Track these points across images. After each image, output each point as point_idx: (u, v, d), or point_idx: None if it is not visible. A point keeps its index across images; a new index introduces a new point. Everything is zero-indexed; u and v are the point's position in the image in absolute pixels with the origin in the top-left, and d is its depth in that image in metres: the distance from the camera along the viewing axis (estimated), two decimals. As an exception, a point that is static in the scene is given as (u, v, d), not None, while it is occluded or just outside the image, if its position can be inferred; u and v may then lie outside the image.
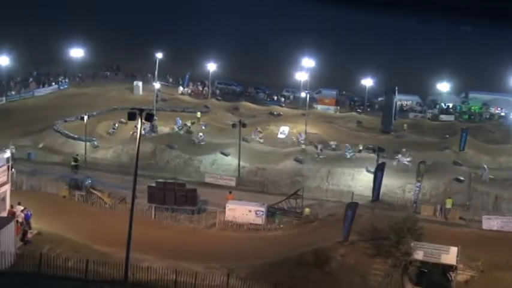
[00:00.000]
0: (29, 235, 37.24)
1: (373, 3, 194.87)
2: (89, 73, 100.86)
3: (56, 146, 66.26)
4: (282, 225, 46.81)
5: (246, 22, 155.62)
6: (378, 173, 53.43)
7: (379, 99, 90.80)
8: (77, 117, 70.77)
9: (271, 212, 47.94)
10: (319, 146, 68.03)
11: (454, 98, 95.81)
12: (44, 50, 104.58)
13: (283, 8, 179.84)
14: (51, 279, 30.64)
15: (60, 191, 48.87)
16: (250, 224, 46.37)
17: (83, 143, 63.63)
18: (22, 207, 38.84)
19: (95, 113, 74.92)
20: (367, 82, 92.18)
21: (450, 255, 38.34)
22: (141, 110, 32.63)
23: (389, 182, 55.63)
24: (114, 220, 42.16)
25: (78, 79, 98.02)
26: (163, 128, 73.94)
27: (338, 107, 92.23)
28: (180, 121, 75.28)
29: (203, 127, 76.60)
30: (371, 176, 55.49)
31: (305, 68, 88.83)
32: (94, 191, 49.06)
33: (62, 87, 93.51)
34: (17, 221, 36.54)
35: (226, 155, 63.61)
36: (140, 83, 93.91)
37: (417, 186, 52.36)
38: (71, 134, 67.70)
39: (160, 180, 50.81)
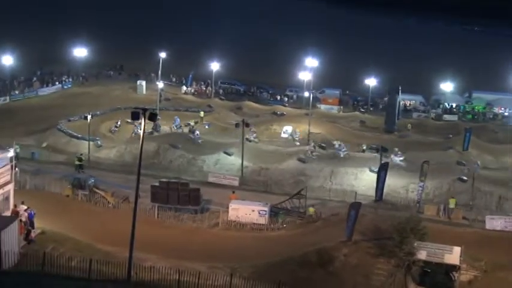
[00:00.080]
0: (33, 234, 37.32)
1: (374, 3, 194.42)
2: (93, 72, 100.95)
3: (59, 146, 66.39)
4: (285, 225, 46.75)
5: (250, 22, 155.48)
6: (381, 173, 53.42)
7: (385, 99, 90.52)
8: (81, 117, 71.00)
9: (274, 212, 47.89)
10: (312, 144, 68.50)
11: (458, 97, 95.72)
12: (48, 50, 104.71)
13: (286, 7, 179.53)
14: (54, 279, 30.70)
15: (63, 191, 48.94)
16: (254, 223, 46.34)
17: (87, 142, 63.87)
18: (25, 207, 38.92)
19: (98, 113, 75.12)
20: (371, 82, 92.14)
21: (453, 255, 38.26)
22: (144, 110, 32.64)
23: (392, 182, 55.62)
24: (118, 219, 42.17)
25: (82, 78, 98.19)
26: (165, 128, 74.04)
27: (341, 107, 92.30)
28: (179, 120, 75.18)
29: (206, 126, 76.76)
30: (374, 176, 55.51)
31: (308, 67, 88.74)
32: (97, 191, 49.10)
33: (65, 87, 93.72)
34: (21, 220, 36.59)
35: (229, 154, 63.63)
36: (143, 83, 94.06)
37: (420, 186, 52.31)
38: (75, 134, 67.83)
39: (164, 180, 50.83)
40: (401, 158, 63.14)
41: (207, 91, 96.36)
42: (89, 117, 64.49)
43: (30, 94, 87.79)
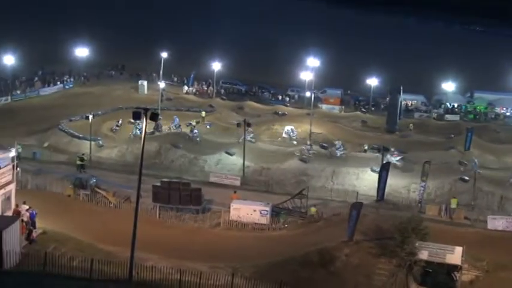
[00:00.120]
0: (34, 234, 37.34)
1: (374, 2, 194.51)
2: (94, 72, 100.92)
3: (61, 145, 66.42)
4: (286, 225, 46.77)
5: (251, 22, 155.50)
6: (383, 173, 53.41)
7: (386, 99, 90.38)
8: (82, 117, 71.02)
9: (276, 212, 47.92)
10: (308, 143, 68.95)
11: (460, 97, 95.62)
12: (49, 49, 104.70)
13: (287, 7, 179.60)
14: (56, 279, 30.72)
15: (65, 190, 48.97)
16: (255, 223, 46.34)
17: (88, 142, 63.85)
18: (27, 206, 38.96)
19: (100, 112, 75.14)
20: (372, 82, 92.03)
21: (455, 255, 38.24)
22: (146, 110, 32.63)
23: (394, 182, 55.64)
24: (119, 219, 42.22)
25: (83, 78, 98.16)
26: (165, 127, 74.03)
27: (343, 107, 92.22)
28: (178, 119, 75.05)
29: (208, 126, 76.78)
30: (376, 176, 55.56)
31: (310, 67, 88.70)
32: (99, 190, 49.11)
33: (67, 87, 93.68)
34: (22, 220, 36.61)
35: (231, 154, 63.65)
36: (145, 82, 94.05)
37: (422, 186, 52.33)
38: (76, 133, 67.86)
39: (165, 180, 50.88)
40: (397, 158, 63.02)
41: (209, 91, 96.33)
42: (91, 117, 64.45)
43: (32, 94, 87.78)
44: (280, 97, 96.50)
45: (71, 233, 38.99)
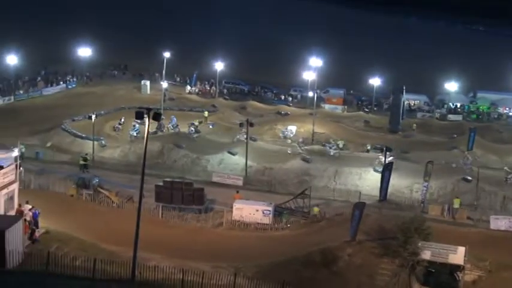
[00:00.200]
0: (37, 234, 37.35)
1: (374, 2, 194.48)
2: (97, 72, 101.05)
3: (63, 145, 66.51)
4: (289, 225, 46.75)
5: (253, 21, 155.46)
6: (386, 173, 53.40)
7: (389, 99, 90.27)
8: (85, 117, 71.06)
9: (278, 212, 47.90)
10: (301, 139, 70.00)
11: (462, 97, 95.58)
12: (52, 49, 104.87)
13: (288, 7, 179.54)
14: (58, 278, 30.72)
15: (68, 190, 48.96)
16: (258, 223, 46.30)
17: (91, 142, 63.96)
18: (30, 206, 38.95)
19: (102, 112, 75.16)
20: (375, 81, 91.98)
21: (458, 255, 38.23)
22: (148, 109, 32.65)
23: (396, 182, 55.62)
24: (122, 219, 42.20)
25: (86, 78, 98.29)
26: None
27: (345, 107, 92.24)
28: (175, 119, 74.97)
29: (210, 126, 76.78)
30: (378, 176, 55.52)
31: (312, 67, 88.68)
32: (101, 190, 49.15)
33: (69, 87, 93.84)
34: (25, 219, 36.61)
35: (233, 154, 63.65)
36: (148, 82, 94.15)
37: (424, 186, 52.32)
38: (79, 133, 67.93)
39: (168, 180, 50.89)
40: (390, 159, 62.72)
41: (211, 91, 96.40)
42: (93, 117, 64.56)
43: (35, 94, 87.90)
44: (282, 97, 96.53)
45: (74, 232, 38.99)
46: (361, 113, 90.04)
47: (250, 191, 53.89)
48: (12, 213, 38.35)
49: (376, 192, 54.05)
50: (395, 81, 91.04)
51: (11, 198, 39.01)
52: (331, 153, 66.18)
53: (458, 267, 38.09)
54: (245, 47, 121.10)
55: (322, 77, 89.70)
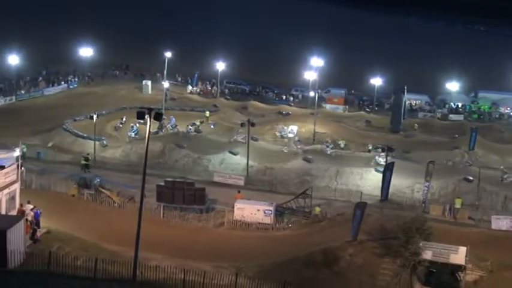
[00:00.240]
0: (38, 234, 37.41)
1: (374, 2, 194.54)
2: (98, 72, 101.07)
3: (65, 145, 66.58)
4: (290, 225, 46.72)
5: (255, 21, 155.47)
6: (387, 173, 53.38)
7: (390, 99, 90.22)
8: (86, 116, 71.11)
9: (279, 212, 47.91)
10: (296, 138, 71.06)
11: (464, 97, 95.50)
12: (54, 49, 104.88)
13: (290, 7, 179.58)
14: (60, 278, 30.75)
15: (69, 190, 49.01)
16: (259, 223, 46.29)
17: (92, 142, 64.01)
18: (31, 206, 39.03)
19: (104, 112, 75.23)
20: (376, 81, 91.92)
21: (459, 255, 38.22)
22: (150, 109, 32.66)
23: (398, 182, 55.57)
24: (123, 219, 42.22)
25: (88, 78, 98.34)
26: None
27: (347, 106, 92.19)
28: (174, 119, 74.89)
29: (212, 126, 76.79)
30: (380, 176, 55.45)
31: (314, 67, 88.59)
32: (103, 190, 49.16)
33: (71, 86, 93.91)
34: (27, 219, 36.68)
35: (234, 154, 63.66)
36: (149, 82, 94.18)
37: (426, 186, 52.28)
38: (80, 133, 68.00)
39: (169, 179, 50.88)
40: (384, 160, 62.69)
41: (213, 91, 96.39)
42: (95, 116, 64.64)
43: (36, 94, 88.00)
44: (284, 97, 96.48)
45: (75, 232, 39.04)
46: (363, 112, 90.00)
47: (251, 190, 53.90)
48: (14, 213, 38.40)
49: (377, 192, 54.05)
50: (396, 81, 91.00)
51: (12, 198, 39.05)
52: (328, 152, 66.27)
53: (459, 267, 38.07)
54: (246, 47, 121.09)
55: (324, 77, 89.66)
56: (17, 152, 40.90)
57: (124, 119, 73.79)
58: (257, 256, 39.58)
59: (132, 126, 69.77)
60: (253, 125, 63.17)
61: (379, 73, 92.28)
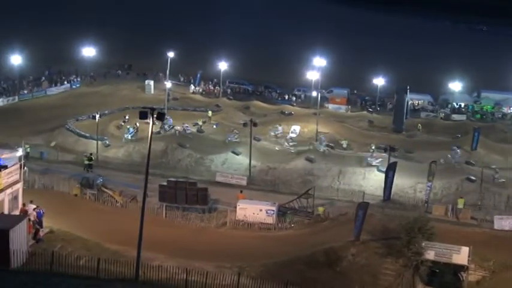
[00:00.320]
0: (41, 233, 37.46)
1: (374, 1, 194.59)
2: (101, 72, 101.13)
3: (67, 145, 66.66)
4: (293, 225, 46.76)
5: (257, 21, 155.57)
6: (389, 173, 53.33)
7: (394, 98, 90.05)
8: (89, 116, 71.30)
9: (282, 212, 47.92)
10: (289, 136, 71.56)
11: (466, 97, 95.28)
12: (56, 49, 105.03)
13: (292, 7, 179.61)
14: (62, 278, 30.77)
15: (71, 190, 49.09)
16: (261, 223, 46.32)
17: (95, 141, 64.03)
18: (34, 206, 39.06)
19: (106, 112, 75.39)
20: (379, 81, 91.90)
21: (461, 255, 38.21)
22: (152, 109, 32.68)
23: (400, 182, 55.50)
24: (125, 219, 42.34)
25: (90, 78, 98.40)
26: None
27: (349, 106, 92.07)
28: (171, 120, 74.74)
29: (214, 126, 76.79)
30: (382, 176, 55.44)
31: (316, 67, 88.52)
32: (105, 190, 49.18)
33: (74, 86, 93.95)
34: (29, 219, 36.72)
35: (237, 154, 63.70)
36: (152, 82, 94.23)
37: (428, 186, 52.23)
38: (83, 133, 68.10)
39: (172, 179, 50.95)
40: (377, 161, 62.56)
41: (215, 90, 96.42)
42: (97, 116, 64.68)
43: (39, 94, 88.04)
44: (286, 97, 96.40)
45: (78, 232, 39.08)
46: (365, 112, 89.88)
47: (254, 190, 53.98)
48: (17, 212, 38.45)
49: (380, 192, 54.07)
50: (399, 81, 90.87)
51: (15, 198, 39.11)
52: (321, 149, 66.31)
53: (462, 268, 38.09)
54: (249, 47, 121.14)
55: (326, 77, 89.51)
56: (19, 152, 40.93)
57: (127, 117, 73.91)
58: (259, 256, 39.57)
59: (129, 129, 69.92)
60: (255, 125, 63.04)
61: (381, 73, 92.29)
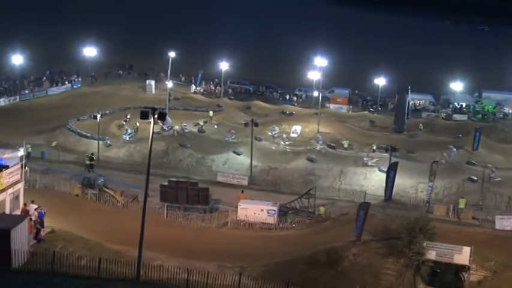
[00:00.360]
0: (42, 233, 37.44)
1: (374, 1, 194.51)
2: (102, 72, 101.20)
3: (69, 145, 66.68)
4: (294, 225, 46.76)
5: (257, 21, 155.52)
6: (391, 173, 53.30)
7: (395, 98, 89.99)
8: (90, 116, 71.31)
9: (283, 212, 47.93)
10: (284, 135, 71.70)
11: (468, 97, 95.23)
12: (57, 49, 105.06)
13: (293, 7, 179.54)
14: (64, 277, 30.75)
15: (73, 190, 49.09)
16: (262, 223, 46.31)
17: (96, 141, 64.02)
18: (35, 206, 39.04)
19: (107, 112, 75.34)
20: (380, 81, 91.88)
21: (463, 255, 38.20)
22: (153, 109, 32.66)
23: (401, 182, 55.48)
24: (127, 219, 42.33)
25: (91, 78, 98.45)
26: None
27: (351, 106, 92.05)
28: (170, 121, 74.61)
29: (215, 126, 76.75)
30: (383, 176, 55.39)
31: (318, 67, 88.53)
32: (107, 190, 49.18)
33: (75, 86, 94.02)
34: (31, 219, 36.70)
35: (238, 154, 63.68)
36: (153, 82, 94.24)
37: (430, 186, 52.23)
38: (84, 133, 68.12)
39: (173, 179, 50.96)
40: (373, 161, 62.48)
41: (216, 90, 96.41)
42: (99, 116, 64.64)
43: (40, 94, 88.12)
44: (287, 97, 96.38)
45: (79, 232, 39.06)
46: (366, 112, 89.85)
47: (255, 190, 54.00)
48: (18, 212, 38.45)
49: (381, 192, 54.07)
50: (400, 81, 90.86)
51: (16, 198, 39.12)
52: (318, 148, 66.29)
53: (463, 268, 38.09)
54: (250, 47, 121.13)
55: (327, 77, 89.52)
56: (21, 152, 40.93)
57: (128, 117, 73.98)
58: (261, 256, 39.55)
59: (127, 130, 69.90)
60: (256, 125, 63.01)
61: (383, 73, 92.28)
